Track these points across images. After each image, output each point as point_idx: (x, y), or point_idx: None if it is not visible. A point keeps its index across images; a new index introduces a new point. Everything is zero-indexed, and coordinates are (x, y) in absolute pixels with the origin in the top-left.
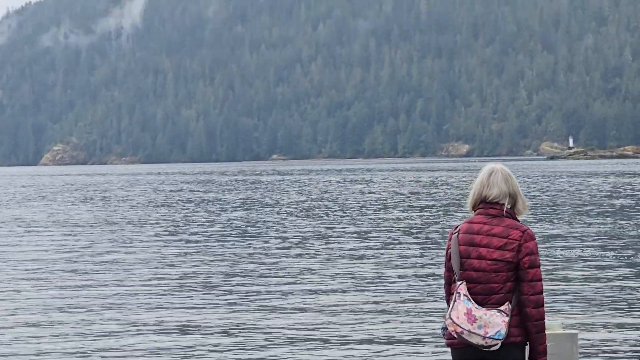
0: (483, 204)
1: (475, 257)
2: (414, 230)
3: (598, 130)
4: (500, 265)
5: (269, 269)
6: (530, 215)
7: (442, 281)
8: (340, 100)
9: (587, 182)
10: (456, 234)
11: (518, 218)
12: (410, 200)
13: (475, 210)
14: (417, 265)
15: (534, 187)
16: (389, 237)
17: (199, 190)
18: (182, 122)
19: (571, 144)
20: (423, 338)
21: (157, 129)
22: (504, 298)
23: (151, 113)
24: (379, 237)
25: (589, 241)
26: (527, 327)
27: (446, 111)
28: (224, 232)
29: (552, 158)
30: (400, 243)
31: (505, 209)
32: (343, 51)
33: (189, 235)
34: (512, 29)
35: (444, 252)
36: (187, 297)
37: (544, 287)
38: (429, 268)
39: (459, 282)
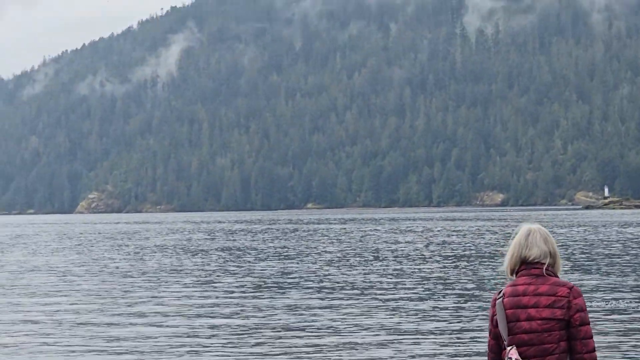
0: (524, 265)
1: (525, 318)
2: (450, 281)
3: (633, 180)
4: (551, 324)
5: (305, 321)
6: (565, 266)
7: (477, 334)
8: (375, 149)
9: (622, 232)
10: (501, 299)
11: (559, 275)
12: (445, 250)
13: (513, 274)
14: (453, 317)
15: (569, 238)
16: (425, 288)
17: (233, 239)
18: (217, 170)
19: (606, 193)
20: None
21: (192, 177)
22: (558, 359)
23: (186, 161)
24: (414, 287)
25: (625, 292)
26: None
27: (481, 160)
28: (259, 282)
29: (587, 208)
30: (435, 294)
31: (547, 268)
32: (378, 100)
33: (223, 284)
34: (547, 79)
35: (488, 316)
36: (221, 348)
37: None
38: (465, 321)
39: (509, 348)
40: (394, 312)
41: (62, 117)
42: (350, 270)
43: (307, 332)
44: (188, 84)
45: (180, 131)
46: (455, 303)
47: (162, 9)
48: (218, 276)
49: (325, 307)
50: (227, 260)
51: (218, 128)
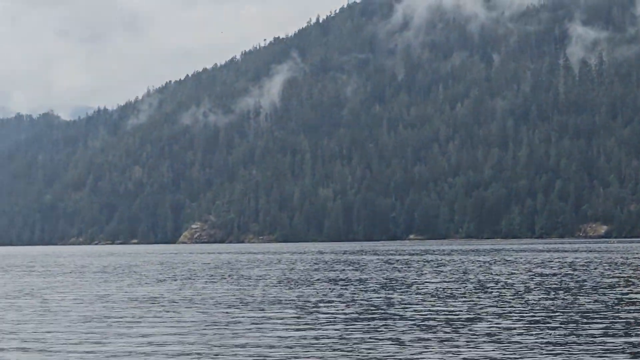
0: None
1: None
2: (556, 312)
3: None
4: None
5: (411, 354)
6: None
7: None
8: (477, 180)
9: None
10: None
11: None
12: (550, 281)
13: None
14: (558, 351)
15: None
16: (530, 319)
17: (336, 269)
18: (320, 201)
19: None
20: None
21: (294, 208)
22: None
23: (289, 192)
24: (519, 318)
25: None
26: None
27: (584, 192)
28: (363, 313)
29: None
30: (541, 325)
31: None
32: (481, 131)
33: (325, 315)
34: None
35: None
36: None
37: None
38: (575, 354)
39: None
40: (499, 345)
41: (166, 147)
42: (453, 302)
43: None
44: (291, 114)
45: (282, 161)
46: (562, 336)
47: (265, 39)
48: (321, 306)
49: (430, 340)
50: (330, 291)
51: (320, 158)
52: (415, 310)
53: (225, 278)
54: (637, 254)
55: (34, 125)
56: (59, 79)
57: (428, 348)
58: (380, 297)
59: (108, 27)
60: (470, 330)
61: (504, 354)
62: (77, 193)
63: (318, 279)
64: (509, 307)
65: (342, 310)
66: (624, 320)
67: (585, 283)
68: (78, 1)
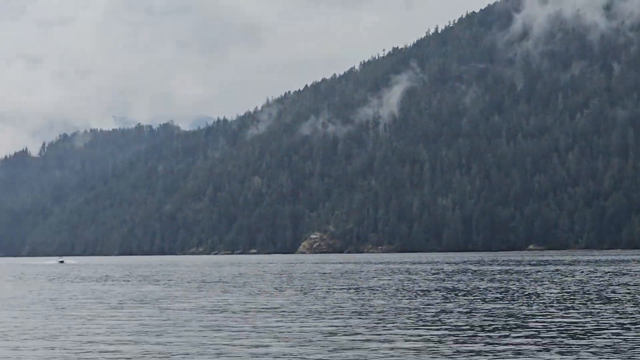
0: None
1: None
2: None
3: None
4: None
5: None
6: None
7: None
8: (597, 190)
9: None
10: None
11: None
12: None
13: None
14: None
15: None
16: None
17: (454, 279)
18: (438, 211)
19: None
20: None
21: (413, 218)
22: None
23: (407, 202)
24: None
25: None
26: None
27: None
28: (483, 323)
29: None
30: None
31: None
32: (601, 141)
33: (443, 325)
34: None
35: None
36: None
37: None
38: None
39: None
40: (620, 357)
41: (285, 157)
42: (575, 312)
43: None
44: (409, 124)
45: (401, 172)
46: None
47: (383, 50)
48: (441, 316)
49: (551, 351)
50: (449, 301)
51: (439, 168)
52: (536, 321)
53: (345, 288)
54: None
55: (154, 135)
56: (179, 89)
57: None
58: (500, 308)
59: (228, 37)
60: (591, 341)
61: None
62: (196, 203)
63: (436, 288)
64: (631, 319)
65: (463, 319)
66: None
67: None
68: (198, 12)
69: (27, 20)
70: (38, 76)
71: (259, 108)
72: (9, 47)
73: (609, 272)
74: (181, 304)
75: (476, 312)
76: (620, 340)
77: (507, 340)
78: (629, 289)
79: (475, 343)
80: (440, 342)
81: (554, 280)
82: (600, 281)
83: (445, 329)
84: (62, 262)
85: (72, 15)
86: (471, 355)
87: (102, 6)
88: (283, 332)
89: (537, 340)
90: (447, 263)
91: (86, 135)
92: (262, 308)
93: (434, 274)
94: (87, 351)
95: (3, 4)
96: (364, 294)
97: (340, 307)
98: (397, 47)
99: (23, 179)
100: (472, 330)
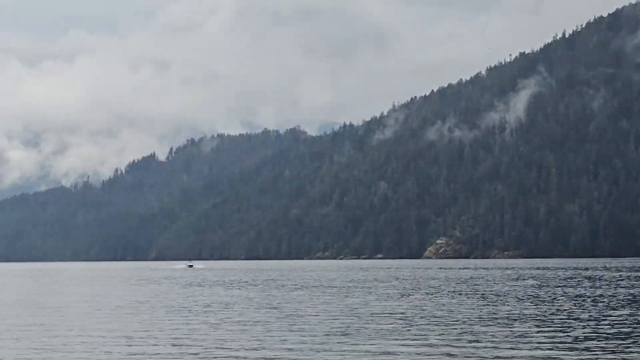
0: None
1: None
2: None
3: None
4: None
5: None
6: None
7: None
8: None
9: None
10: None
11: None
12: None
13: None
14: None
15: None
16: None
17: (583, 286)
18: (565, 217)
19: None
20: None
21: (539, 223)
22: None
23: (534, 207)
24: None
25: None
26: None
27: None
28: (612, 331)
29: None
30: None
31: None
32: None
33: (574, 333)
34: None
35: None
36: None
37: None
38: None
39: None
40: None
41: (411, 162)
42: None
43: None
44: (536, 129)
45: (528, 177)
46: None
47: (510, 55)
48: (566, 325)
49: None
50: (576, 309)
51: (566, 174)
52: None
53: (470, 293)
54: None
55: (281, 140)
56: (305, 94)
57: None
58: (630, 314)
59: (354, 43)
60: None
61: None
62: (323, 208)
63: (562, 295)
64: None
65: (592, 327)
66: None
67: None
68: (324, 18)
69: (155, 26)
70: (166, 81)
71: (385, 113)
72: (137, 53)
73: None
74: (307, 307)
75: (603, 320)
76: None
77: (635, 349)
78: None
79: (601, 351)
80: (561, 351)
81: None
82: None
83: (572, 337)
84: (191, 266)
85: (199, 20)
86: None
87: (229, 12)
88: (407, 336)
89: None
90: (573, 269)
91: (213, 140)
92: (387, 312)
93: (563, 279)
94: (215, 357)
95: (132, 9)
96: (490, 299)
97: (465, 312)
98: (524, 51)
99: (150, 184)
100: (597, 339)
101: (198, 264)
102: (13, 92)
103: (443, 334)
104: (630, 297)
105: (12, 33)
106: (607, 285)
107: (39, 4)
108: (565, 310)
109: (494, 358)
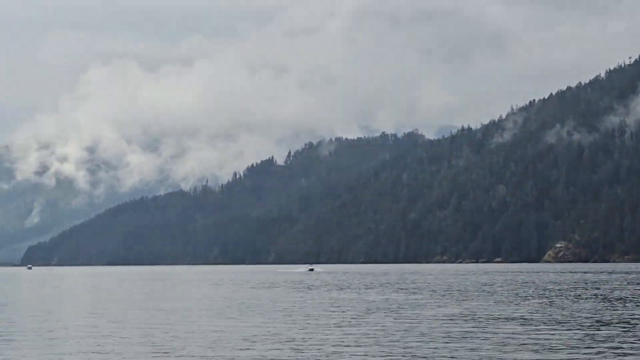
0: None
1: None
2: None
3: None
4: None
5: None
6: None
7: None
8: None
9: None
10: None
11: None
12: None
13: None
14: None
15: None
16: None
17: None
18: None
19: None
20: None
21: None
22: None
23: None
24: None
25: None
26: None
27: None
28: None
29: None
30: None
31: None
32: None
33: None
34: None
35: None
36: None
37: None
38: None
39: None
40: None
41: (530, 165)
42: None
43: None
44: None
45: None
46: None
47: (629, 57)
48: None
49: None
50: None
51: None
52: None
53: (589, 297)
54: None
55: (399, 144)
56: (423, 97)
57: None
58: None
59: (472, 45)
60: None
61: None
62: (441, 211)
63: None
64: None
65: None
66: None
67: None
68: (442, 21)
69: (273, 29)
70: (284, 85)
71: (504, 116)
72: (255, 57)
73: None
74: (425, 312)
75: None
76: None
77: None
78: None
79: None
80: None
81: None
82: None
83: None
84: (311, 270)
85: (317, 24)
86: None
87: (347, 15)
88: (526, 342)
89: None
90: None
91: (331, 143)
92: (506, 317)
93: None
94: None
95: (250, 14)
96: (607, 304)
97: (579, 316)
98: None
99: (269, 187)
100: None
101: (317, 268)
102: (133, 97)
103: (561, 338)
104: None
105: (132, 38)
106: None
107: (159, 10)
108: None
109: None
